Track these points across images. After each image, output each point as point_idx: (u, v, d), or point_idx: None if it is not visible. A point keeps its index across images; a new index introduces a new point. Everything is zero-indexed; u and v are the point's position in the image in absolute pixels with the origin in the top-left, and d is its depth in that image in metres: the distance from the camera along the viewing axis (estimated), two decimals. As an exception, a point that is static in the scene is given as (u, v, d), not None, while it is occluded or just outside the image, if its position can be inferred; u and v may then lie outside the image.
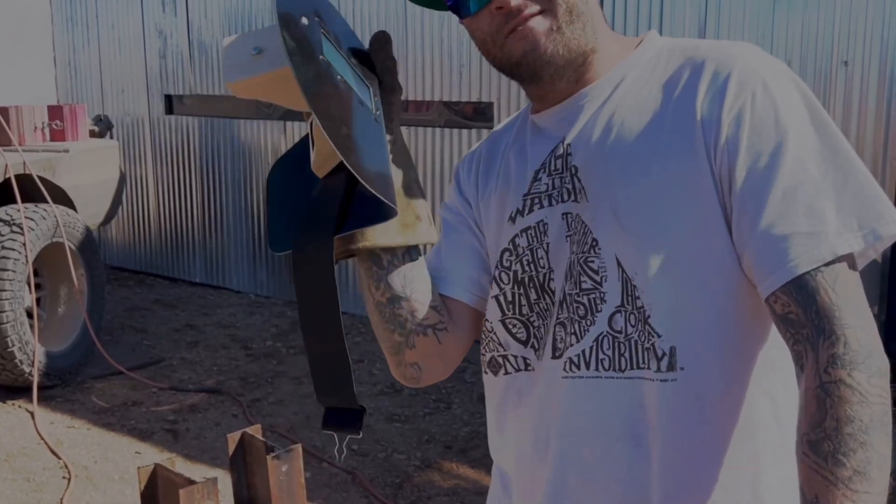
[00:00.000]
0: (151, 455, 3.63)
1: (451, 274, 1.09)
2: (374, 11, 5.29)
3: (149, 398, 4.32)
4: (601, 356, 0.95)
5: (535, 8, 0.95)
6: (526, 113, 1.12)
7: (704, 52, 0.96)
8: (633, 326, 0.93)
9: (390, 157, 0.98)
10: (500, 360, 1.06)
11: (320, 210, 0.91)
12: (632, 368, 0.93)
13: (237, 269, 6.31)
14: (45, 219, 4.34)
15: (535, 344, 1.03)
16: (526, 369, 1.03)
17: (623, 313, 0.94)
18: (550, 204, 1.01)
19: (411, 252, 1.03)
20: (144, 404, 4.25)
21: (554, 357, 0.99)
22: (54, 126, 4.86)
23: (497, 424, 1.09)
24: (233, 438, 2.43)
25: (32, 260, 4.25)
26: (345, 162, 0.82)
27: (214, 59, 6.19)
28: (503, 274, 1.03)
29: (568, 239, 0.99)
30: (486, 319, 1.06)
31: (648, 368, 0.92)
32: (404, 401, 4.28)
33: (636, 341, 0.93)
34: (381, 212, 0.91)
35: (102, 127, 5.39)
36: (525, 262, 1.02)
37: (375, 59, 1.01)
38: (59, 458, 3.65)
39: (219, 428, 3.94)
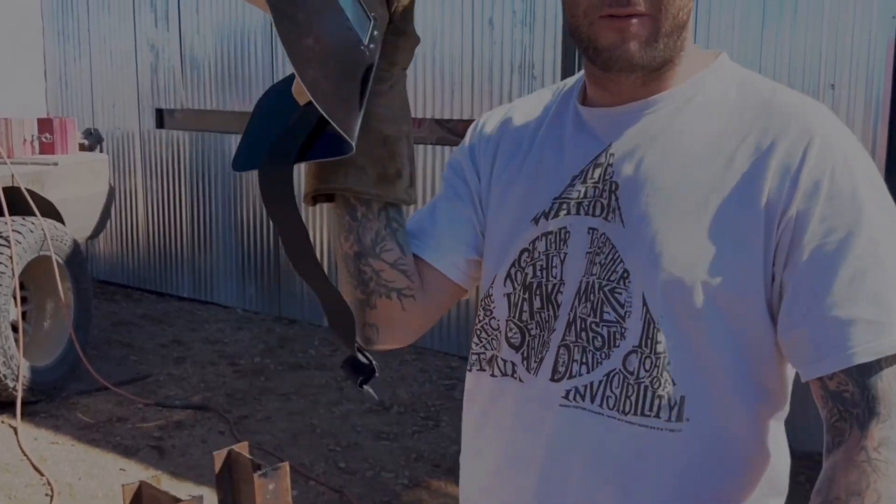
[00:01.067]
0: (136, 472, 3.59)
1: (442, 243, 1.04)
2: (367, 29, 5.30)
3: (134, 414, 4.29)
4: (608, 393, 0.91)
5: (643, 9, 0.88)
6: (569, 97, 1.04)
7: (783, 104, 0.91)
8: (646, 371, 0.90)
9: (375, 102, 0.92)
10: (490, 357, 1.03)
11: (288, 137, 0.87)
12: (635, 414, 0.90)
13: (225, 284, 6.29)
14: (32, 232, 4.31)
15: (526, 353, 0.99)
16: (512, 375, 1.00)
17: (639, 355, 0.90)
18: (578, 213, 0.95)
19: (389, 211, 0.98)
20: (130, 420, 4.21)
21: (553, 380, 0.95)
22: (44, 139, 4.84)
23: (476, 426, 1.08)
24: (219, 456, 2.40)
25: (19, 273, 4.22)
26: (295, 72, 0.75)
27: (206, 74, 6.20)
28: (518, 273, 0.99)
29: (587, 256, 0.94)
30: (493, 317, 1.02)
31: (657, 417, 0.90)
32: (392, 418, 4.25)
33: (647, 386, 0.90)
34: (338, 146, 0.85)
35: (92, 140, 5.37)
36: (538, 268, 0.97)
37: None
38: (42, 474, 3.61)
39: (205, 445, 3.91)
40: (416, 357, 5.13)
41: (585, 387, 0.92)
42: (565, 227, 0.96)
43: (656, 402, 0.90)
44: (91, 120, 6.89)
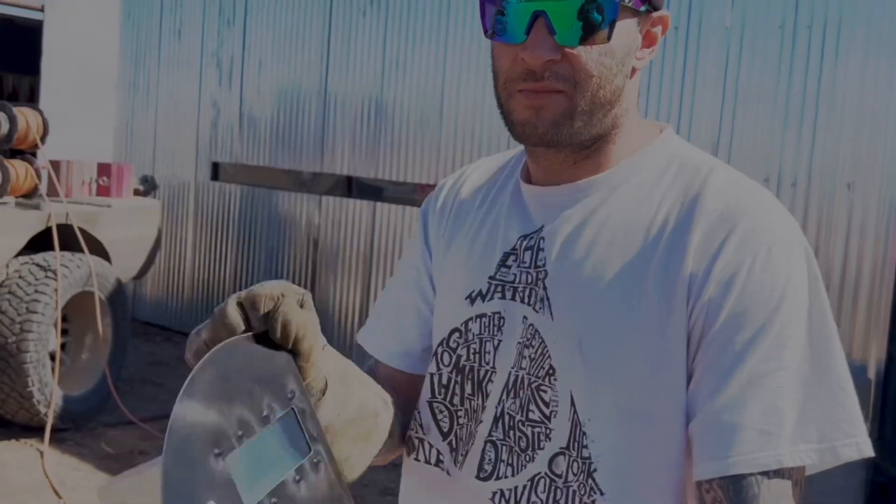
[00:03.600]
0: None
1: (395, 339, 1.02)
2: (413, 98, 5.57)
3: (155, 449, 4.46)
4: (533, 499, 0.86)
5: (557, 86, 0.84)
6: (517, 167, 0.99)
7: (714, 191, 0.85)
8: (574, 475, 0.84)
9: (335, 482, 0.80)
10: (416, 441, 0.98)
11: None
12: None
13: (260, 333, 6.50)
14: (79, 267, 4.58)
15: (454, 443, 0.94)
16: (437, 465, 0.96)
17: (566, 457, 0.85)
18: (514, 299, 0.90)
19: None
20: (150, 455, 4.38)
21: (479, 478, 0.90)
22: (101, 182, 5.17)
23: None
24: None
25: (62, 305, 4.48)
26: None
27: (262, 132, 6.54)
28: (446, 354, 0.95)
29: (518, 346, 0.89)
30: (421, 396, 0.98)
31: None
32: (399, 476, 4.34)
33: (575, 491, 0.84)
34: None
35: (147, 187, 5.70)
36: (472, 351, 0.93)
37: (275, 337, 0.77)
38: (60, 497, 3.79)
39: (216, 484, 4.05)
40: (433, 419, 5.22)
41: (510, 490, 0.88)
42: (500, 313, 0.91)
43: None
44: (152, 167, 7.28)
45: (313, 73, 6.14)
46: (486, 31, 0.87)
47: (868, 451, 0.81)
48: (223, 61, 6.80)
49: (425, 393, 0.97)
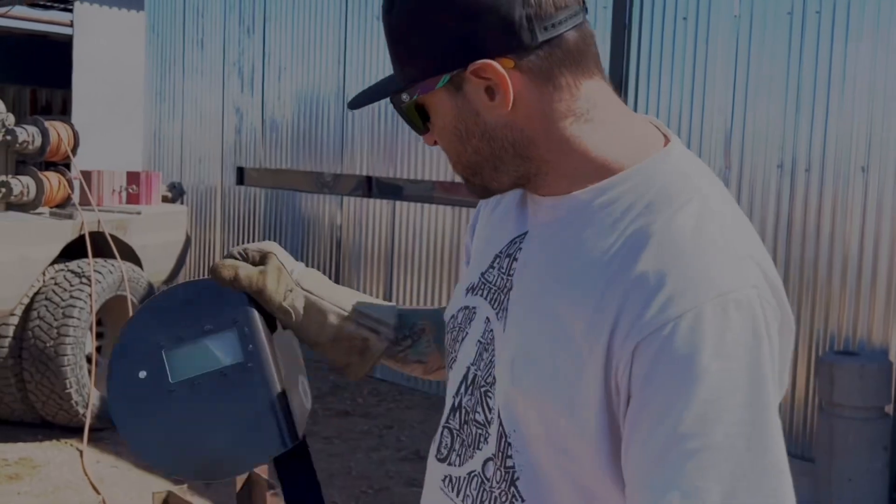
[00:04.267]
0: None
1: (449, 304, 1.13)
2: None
3: (189, 447, 4.59)
4: (467, 492, 0.92)
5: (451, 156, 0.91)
6: None
7: (668, 230, 0.79)
8: (497, 483, 0.88)
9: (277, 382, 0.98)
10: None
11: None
12: None
13: (289, 333, 6.63)
14: (112, 273, 4.73)
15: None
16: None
17: (495, 464, 0.88)
18: (486, 298, 0.94)
19: (400, 347, 1.09)
20: (184, 452, 4.52)
21: (437, 458, 0.97)
22: (130, 190, 5.32)
23: None
24: (240, 478, 2.66)
25: (97, 310, 4.63)
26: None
27: (284, 136, 6.67)
28: (449, 335, 1.02)
29: (478, 345, 0.93)
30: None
31: None
32: (425, 467, 4.43)
33: (496, 497, 0.88)
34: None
35: (175, 193, 5.85)
36: (452, 338, 1.00)
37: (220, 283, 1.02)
38: (99, 493, 3.94)
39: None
40: (459, 412, 5.30)
41: (456, 478, 0.93)
42: (475, 308, 0.95)
43: None
44: (179, 174, 7.45)
45: (331, 77, 6.26)
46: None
47: None
48: (244, 69, 6.94)
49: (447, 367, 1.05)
